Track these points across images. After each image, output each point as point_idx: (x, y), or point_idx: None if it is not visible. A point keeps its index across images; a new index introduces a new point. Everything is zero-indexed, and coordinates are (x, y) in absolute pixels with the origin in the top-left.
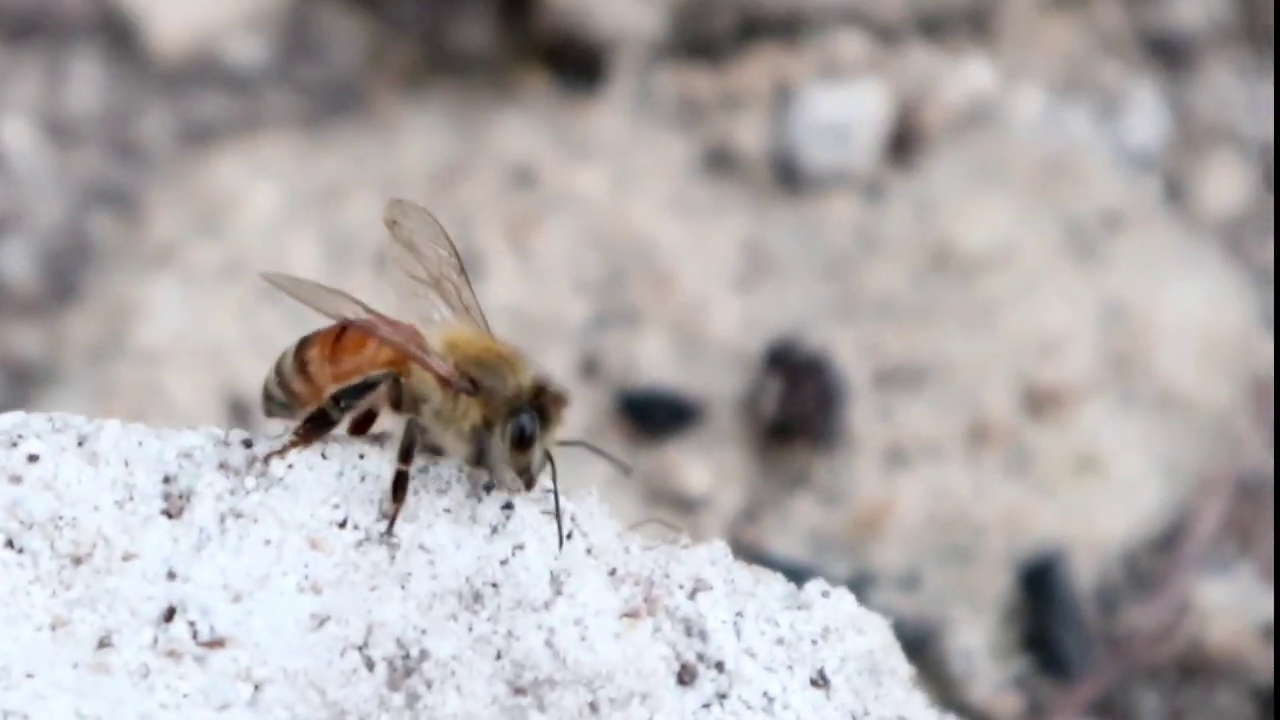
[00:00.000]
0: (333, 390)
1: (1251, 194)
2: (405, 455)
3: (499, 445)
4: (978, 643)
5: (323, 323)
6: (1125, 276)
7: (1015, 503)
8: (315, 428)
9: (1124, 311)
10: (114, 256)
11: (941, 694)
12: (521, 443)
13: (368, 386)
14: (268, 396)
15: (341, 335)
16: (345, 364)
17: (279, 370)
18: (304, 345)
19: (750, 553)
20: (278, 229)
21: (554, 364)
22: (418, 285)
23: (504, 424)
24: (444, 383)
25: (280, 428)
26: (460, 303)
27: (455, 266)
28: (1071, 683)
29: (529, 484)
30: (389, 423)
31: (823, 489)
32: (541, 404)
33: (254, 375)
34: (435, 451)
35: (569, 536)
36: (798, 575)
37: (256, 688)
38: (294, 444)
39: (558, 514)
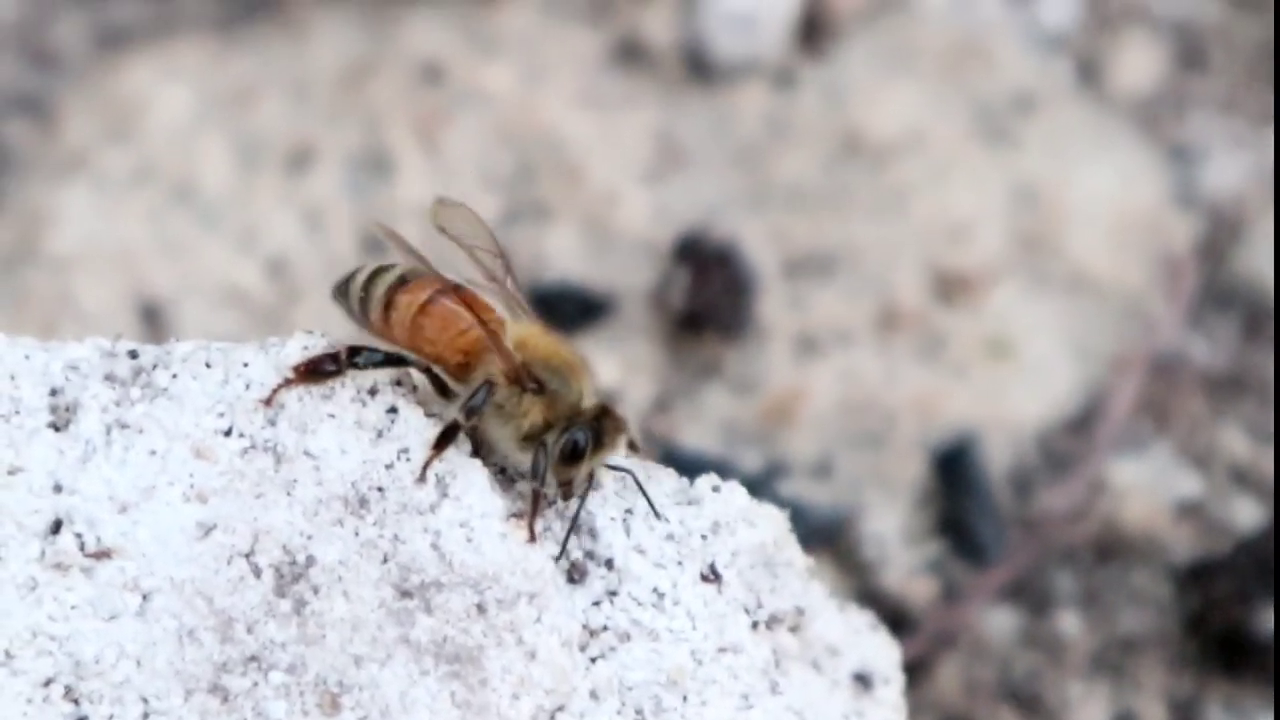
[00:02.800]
0: (365, 345)
1: (1164, 72)
2: (470, 412)
3: (548, 449)
4: (891, 529)
5: None
6: (1036, 158)
7: (927, 387)
8: (316, 372)
9: (1035, 193)
10: (28, 164)
11: (855, 580)
12: (571, 456)
13: (390, 361)
14: (346, 296)
15: (428, 303)
16: (427, 328)
17: (367, 291)
18: (398, 286)
19: (661, 445)
20: (189, 133)
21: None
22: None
23: (560, 433)
24: (512, 379)
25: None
26: (518, 306)
27: (504, 268)
28: (986, 566)
29: (566, 495)
30: None
31: (733, 379)
32: (600, 424)
33: (164, 279)
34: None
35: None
36: (707, 470)
37: (144, 598)
38: (290, 382)
39: (572, 525)
